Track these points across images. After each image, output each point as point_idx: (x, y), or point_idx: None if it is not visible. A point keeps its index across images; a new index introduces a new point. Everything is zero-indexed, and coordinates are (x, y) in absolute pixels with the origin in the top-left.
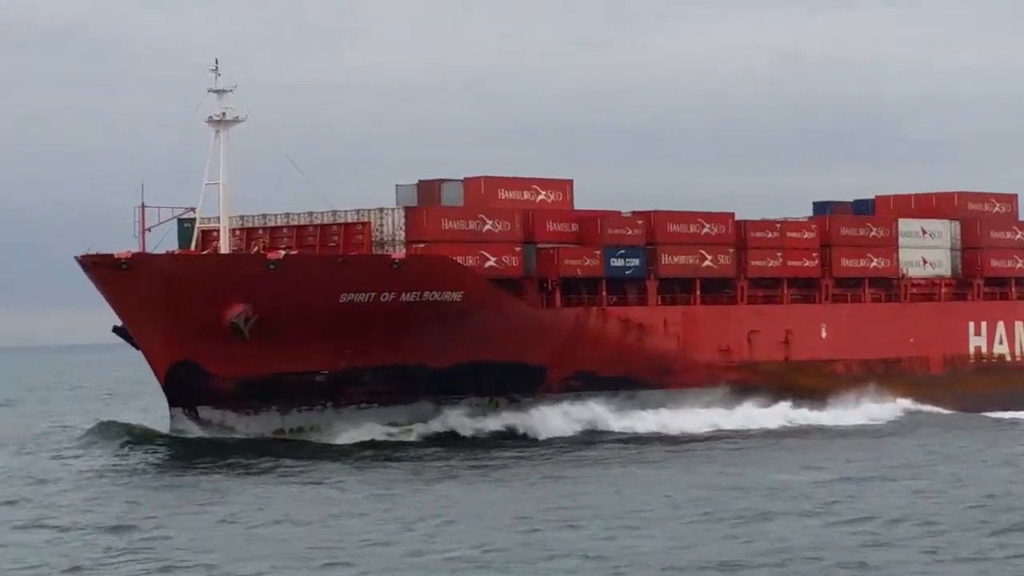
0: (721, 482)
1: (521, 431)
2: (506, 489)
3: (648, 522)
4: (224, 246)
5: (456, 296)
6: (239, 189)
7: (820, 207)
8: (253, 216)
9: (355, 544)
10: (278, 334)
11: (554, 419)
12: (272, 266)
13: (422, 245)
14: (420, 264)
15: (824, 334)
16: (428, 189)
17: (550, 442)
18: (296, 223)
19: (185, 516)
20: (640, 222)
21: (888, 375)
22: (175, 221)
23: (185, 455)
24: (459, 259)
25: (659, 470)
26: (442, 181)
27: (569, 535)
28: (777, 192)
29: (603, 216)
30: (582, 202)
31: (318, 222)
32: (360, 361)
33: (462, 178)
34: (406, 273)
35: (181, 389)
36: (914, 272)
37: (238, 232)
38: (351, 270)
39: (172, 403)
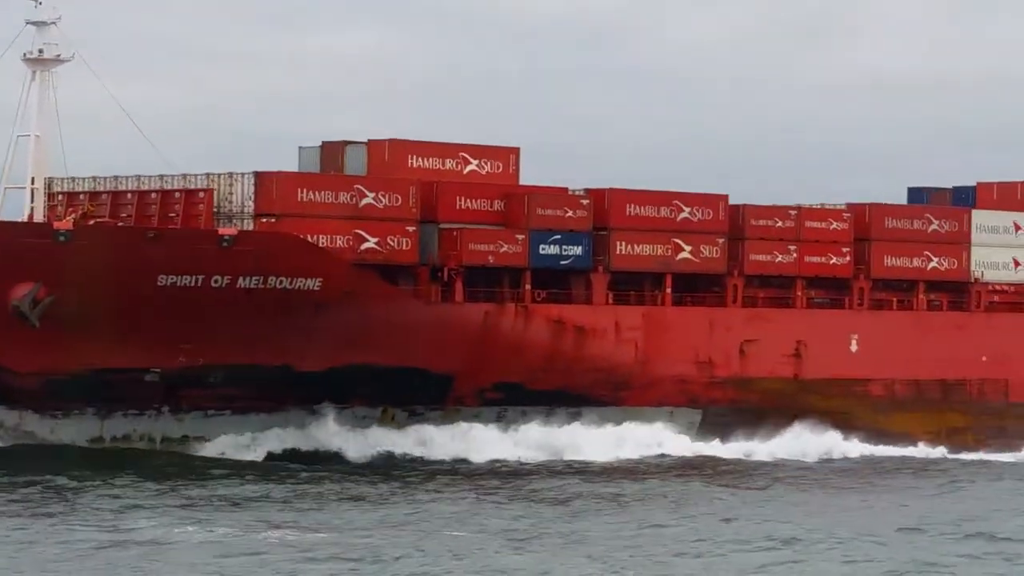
0: None
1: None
2: None
3: None
4: (38, 213)
5: (314, 284)
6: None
7: (915, 193)
8: (105, 178)
9: None
10: (86, 322)
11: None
12: (62, 238)
13: (271, 219)
14: (257, 243)
15: (855, 347)
16: (331, 152)
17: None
18: (147, 188)
19: None
20: (587, 202)
21: (946, 399)
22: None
23: None
24: (322, 238)
25: None
26: (346, 143)
27: None
28: None
29: (532, 192)
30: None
31: (169, 187)
32: (204, 359)
33: (366, 140)
34: (240, 253)
35: None
36: (995, 276)
37: (82, 196)
38: (167, 247)
39: None
